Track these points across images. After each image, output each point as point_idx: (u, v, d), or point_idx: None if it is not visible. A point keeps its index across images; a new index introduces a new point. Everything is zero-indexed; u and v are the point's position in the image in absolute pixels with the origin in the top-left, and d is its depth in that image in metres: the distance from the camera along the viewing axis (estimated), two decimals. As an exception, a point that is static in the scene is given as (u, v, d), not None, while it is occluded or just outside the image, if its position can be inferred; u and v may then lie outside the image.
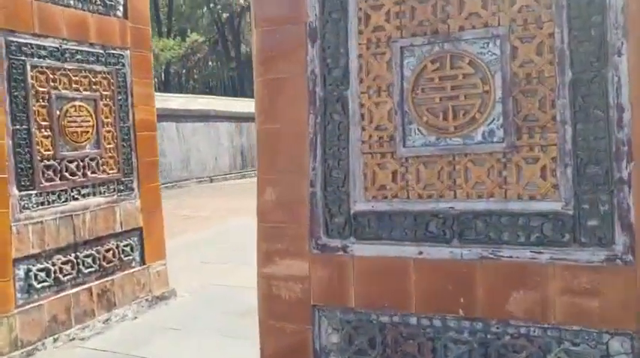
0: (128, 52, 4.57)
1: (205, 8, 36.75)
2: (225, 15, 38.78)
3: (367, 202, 2.38)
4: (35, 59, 3.83)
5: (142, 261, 4.70)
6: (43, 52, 3.89)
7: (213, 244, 7.58)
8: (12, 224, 3.65)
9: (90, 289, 4.21)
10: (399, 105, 2.31)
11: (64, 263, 4.03)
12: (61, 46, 4.02)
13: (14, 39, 3.71)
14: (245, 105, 19.54)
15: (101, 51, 4.34)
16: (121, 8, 4.52)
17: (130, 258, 4.60)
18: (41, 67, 3.89)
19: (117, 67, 4.48)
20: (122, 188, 4.51)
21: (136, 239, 4.65)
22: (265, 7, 2.56)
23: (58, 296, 3.97)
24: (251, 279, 5.49)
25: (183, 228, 8.65)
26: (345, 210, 2.42)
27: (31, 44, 3.81)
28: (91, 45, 4.26)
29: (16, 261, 3.70)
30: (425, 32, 2.26)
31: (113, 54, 4.45)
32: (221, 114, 17.66)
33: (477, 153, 2.19)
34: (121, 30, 4.50)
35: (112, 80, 4.42)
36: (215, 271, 5.93)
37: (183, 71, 37.05)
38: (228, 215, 10.33)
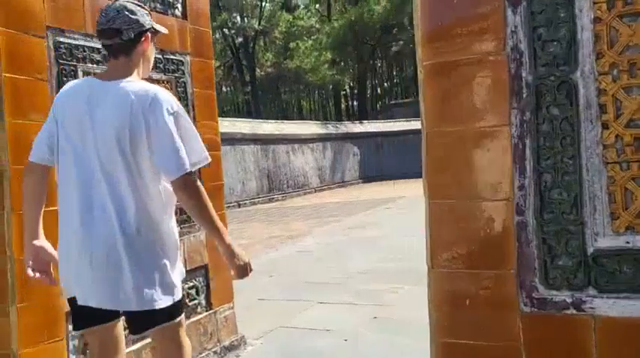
0: (188, 57, 3.86)
1: (219, 34, 36.65)
2: (239, 39, 38.60)
3: (616, 236, 1.61)
4: (88, 64, 3.12)
5: (209, 305, 3.92)
6: (97, 57, 3.19)
7: (265, 277, 6.79)
8: (63, 268, 2.90)
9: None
10: (667, 88, 1.55)
11: (123, 314, 3.27)
12: (116, 50, 3.32)
13: (64, 40, 3.00)
14: (270, 127, 18.94)
15: (159, 56, 3.63)
16: (179, 6, 3.83)
17: (196, 302, 3.82)
18: (94, 75, 3.19)
19: (176, 74, 3.77)
20: (185, 218, 3.76)
21: (201, 279, 3.88)
22: (436, -37, 1.83)
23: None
24: (324, 320, 4.81)
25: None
26: (576, 247, 1.65)
27: (83, 47, 3.10)
28: (149, 49, 3.56)
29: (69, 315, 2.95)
30: None
31: (172, 60, 3.74)
32: (248, 137, 17.04)
33: None
34: (180, 32, 3.80)
35: (171, 90, 3.71)
36: (278, 310, 5.13)
37: (198, 96, 36.85)
38: (269, 243, 9.58)
